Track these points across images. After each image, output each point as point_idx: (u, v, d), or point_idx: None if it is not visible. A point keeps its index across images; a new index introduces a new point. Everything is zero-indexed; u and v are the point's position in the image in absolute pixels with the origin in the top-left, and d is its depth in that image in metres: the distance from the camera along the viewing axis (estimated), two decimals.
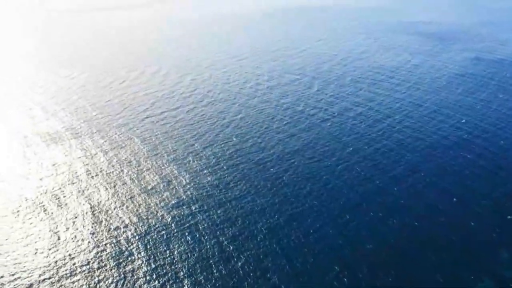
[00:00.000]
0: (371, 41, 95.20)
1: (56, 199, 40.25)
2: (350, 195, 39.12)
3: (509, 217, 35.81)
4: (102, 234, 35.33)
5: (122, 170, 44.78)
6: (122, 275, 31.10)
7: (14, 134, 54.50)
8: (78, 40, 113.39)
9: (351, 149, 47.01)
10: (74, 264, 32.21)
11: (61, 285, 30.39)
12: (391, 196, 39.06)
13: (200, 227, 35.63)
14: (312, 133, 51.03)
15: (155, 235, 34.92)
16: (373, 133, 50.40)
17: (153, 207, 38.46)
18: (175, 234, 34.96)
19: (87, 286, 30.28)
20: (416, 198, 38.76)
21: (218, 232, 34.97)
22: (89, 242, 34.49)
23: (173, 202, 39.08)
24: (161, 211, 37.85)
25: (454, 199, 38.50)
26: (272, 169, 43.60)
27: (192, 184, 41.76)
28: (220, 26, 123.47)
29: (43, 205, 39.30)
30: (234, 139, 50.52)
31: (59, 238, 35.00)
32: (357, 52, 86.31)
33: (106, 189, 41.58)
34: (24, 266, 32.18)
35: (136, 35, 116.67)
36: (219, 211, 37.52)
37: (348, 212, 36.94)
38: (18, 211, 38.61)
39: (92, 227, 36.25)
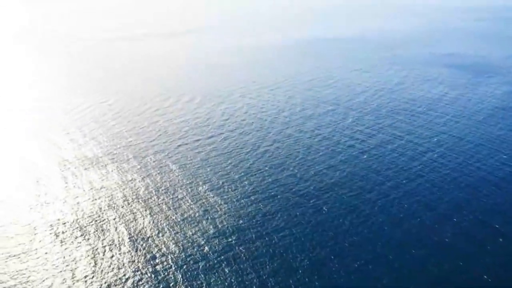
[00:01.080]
0: (405, 72, 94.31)
1: (94, 224, 40.27)
2: (392, 232, 37.66)
3: None
4: (139, 263, 34.88)
5: (158, 197, 44.67)
6: None
7: (52, 158, 55.51)
8: (112, 68, 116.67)
9: (391, 183, 45.67)
10: None
11: None
12: (434, 234, 37.42)
13: (238, 260, 34.77)
14: (349, 165, 49.98)
15: (193, 266, 34.23)
16: (413, 167, 48.98)
17: (191, 236, 37.91)
18: (213, 266, 34.20)
19: None
20: (461, 237, 36.99)
21: (256, 266, 34.01)
22: (126, 270, 34.06)
23: (210, 232, 38.47)
24: (198, 241, 37.24)
25: (500, 239, 36.57)
26: (310, 202, 42.63)
27: (228, 214, 41.17)
28: (251, 56, 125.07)
29: (81, 230, 39.34)
30: (269, 169, 49.95)
31: (96, 265, 34.74)
32: (392, 83, 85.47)
33: (143, 216, 41.41)
34: None
35: (168, 64, 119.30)
36: (257, 243, 36.64)
37: (390, 249, 35.46)
38: (56, 235, 38.73)
39: (129, 254, 35.89)
